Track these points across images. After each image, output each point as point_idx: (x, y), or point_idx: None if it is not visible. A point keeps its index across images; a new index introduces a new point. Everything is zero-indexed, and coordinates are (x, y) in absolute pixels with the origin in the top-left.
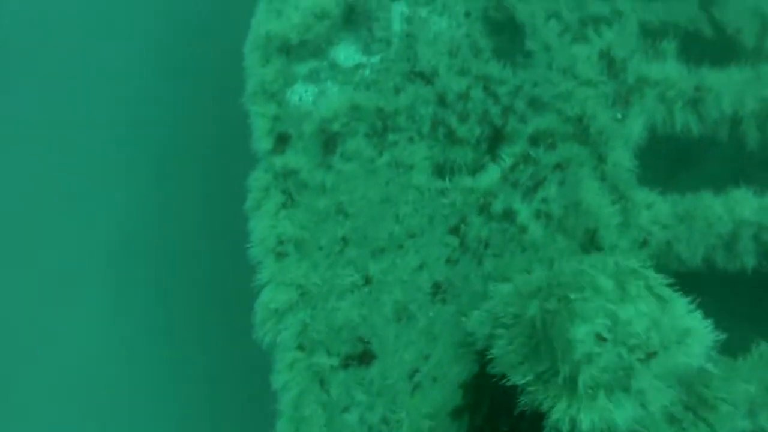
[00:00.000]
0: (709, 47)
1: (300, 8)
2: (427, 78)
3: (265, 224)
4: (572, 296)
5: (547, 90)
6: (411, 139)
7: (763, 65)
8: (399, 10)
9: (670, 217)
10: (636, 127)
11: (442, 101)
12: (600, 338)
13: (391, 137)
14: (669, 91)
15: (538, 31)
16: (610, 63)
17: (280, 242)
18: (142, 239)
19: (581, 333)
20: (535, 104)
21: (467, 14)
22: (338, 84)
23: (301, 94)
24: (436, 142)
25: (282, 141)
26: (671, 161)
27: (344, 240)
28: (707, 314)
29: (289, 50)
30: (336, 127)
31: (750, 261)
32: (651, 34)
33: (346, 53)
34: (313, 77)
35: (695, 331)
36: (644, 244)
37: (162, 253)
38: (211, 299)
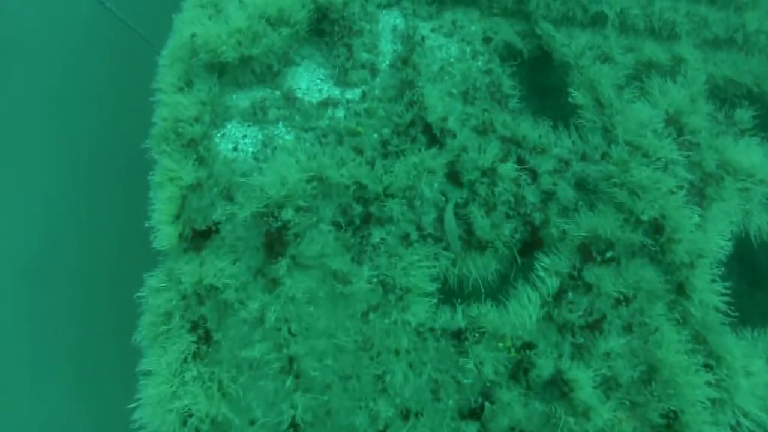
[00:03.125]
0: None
1: (247, 5)
2: (435, 136)
3: (163, 389)
4: None
5: (606, 171)
6: (406, 239)
7: None
8: (391, 21)
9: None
10: (719, 239)
11: (456, 177)
12: None
13: (376, 234)
14: (750, 185)
15: (587, 76)
16: (679, 133)
17: (185, 422)
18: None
19: None
20: (587, 191)
21: (487, 39)
22: (295, 130)
23: (238, 142)
24: (446, 250)
25: (200, 232)
26: None
27: (295, 426)
28: None
29: (223, 69)
30: (289, 213)
31: None
32: (719, 95)
33: (309, 80)
34: (257, 115)
35: None
36: (736, 427)
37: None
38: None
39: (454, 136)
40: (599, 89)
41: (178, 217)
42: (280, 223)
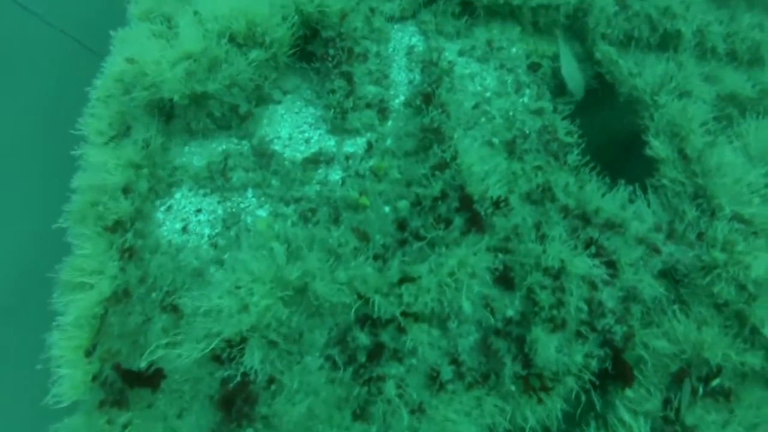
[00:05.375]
0: None
1: (205, 19)
2: (477, 215)
3: None
4: None
5: (709, 259)
6: (434, 381)
7: None
8: (405, 40)
9: None
10: None
11: (507, 279)
12: None
13: (390, 376)
14: None
15: (668, 118)
16: None
17: None
18: None
19: None
20: (674, 281)
21: (533, 67)
22: (270, 201)
23: (189, 219)
24: (495, 391)
25: (128, 371)
26: None
27: None
28: None
29: (170, 111)
30: (254, 358)
31: None
32: None
33: (293, 126)
34: (215, 179)
35: None
36: None
37: None
38: None
39: (506, 214)
40: (687, 137)
41: (91, 351)
42: (240, 375)
